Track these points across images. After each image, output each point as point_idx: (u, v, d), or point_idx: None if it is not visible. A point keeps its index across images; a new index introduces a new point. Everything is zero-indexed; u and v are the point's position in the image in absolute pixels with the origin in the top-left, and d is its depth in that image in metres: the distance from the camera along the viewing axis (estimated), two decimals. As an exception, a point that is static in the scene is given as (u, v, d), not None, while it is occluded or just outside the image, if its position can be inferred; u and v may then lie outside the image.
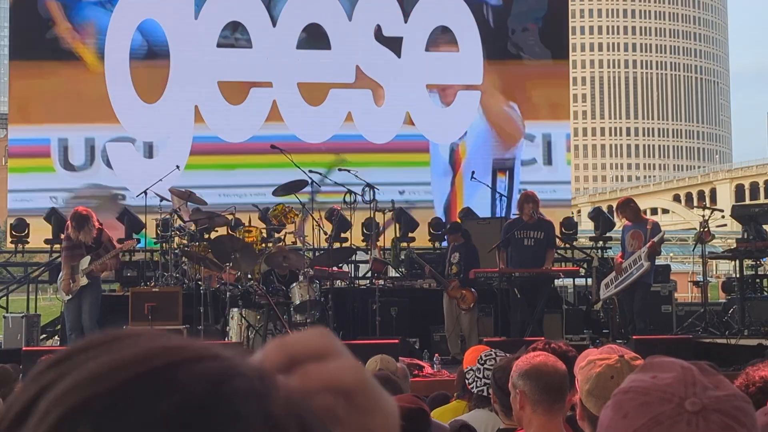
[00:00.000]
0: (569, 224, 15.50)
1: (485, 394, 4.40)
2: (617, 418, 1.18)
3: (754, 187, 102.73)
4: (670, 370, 1.19)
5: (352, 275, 13.99)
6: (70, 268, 10.56)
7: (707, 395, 1.15)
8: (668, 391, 1.16)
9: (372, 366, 5.71)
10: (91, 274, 10.54)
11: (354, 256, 13.60)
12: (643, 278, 10.99)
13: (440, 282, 11.94)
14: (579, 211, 66.44)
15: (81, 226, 10.46)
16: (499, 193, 15.18)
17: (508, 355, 4.32)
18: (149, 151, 15.99)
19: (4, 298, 14.34)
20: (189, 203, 12.91)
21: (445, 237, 13.59)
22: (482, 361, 4.46)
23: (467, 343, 10.92)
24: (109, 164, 15.84)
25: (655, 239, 10.91)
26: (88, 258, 10.49)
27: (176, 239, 12.38)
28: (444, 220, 15.33)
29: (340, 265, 12.96)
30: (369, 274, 13.80)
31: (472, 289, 11.52)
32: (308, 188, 12.09)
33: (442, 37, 16.72)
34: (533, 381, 3.14)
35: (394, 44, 16.63)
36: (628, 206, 11.47)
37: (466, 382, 4.67)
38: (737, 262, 13.58)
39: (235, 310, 10.65)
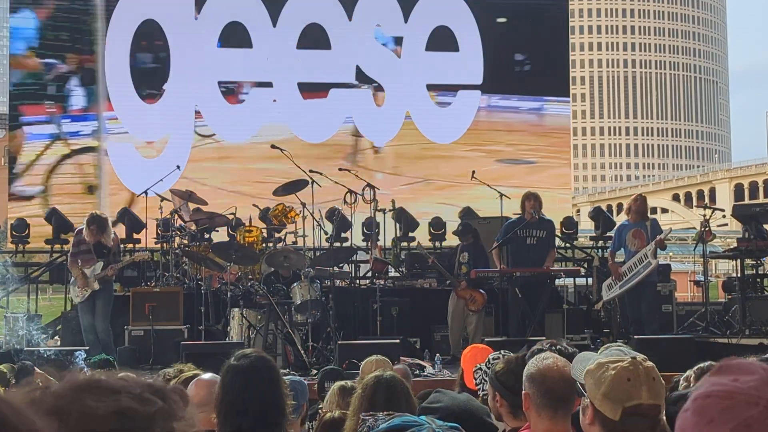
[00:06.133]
0: (569, 224, 15.47)
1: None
2: (702, 424, 1.15)
3: (754, 186, 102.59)
4: (751, 373, 1.16)
5: (353, 275, 13.97)
6: (81, 271, 10.60)
7: None
8: (753, 394, 1.12)
9: (368, 368, 5.68)
10: (103, 279, 10.59)
11: (355, 256, 13.58)
12: (649, 277, 10.92)
13: (448, 278, 11.84)
14: (578, 211, 66.40)
15: (103, 228, 10.60)
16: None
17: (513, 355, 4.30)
18: (149, 150, 15.96)
19: (5, 298, 14.30)
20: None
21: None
22: (491, 364, 4.43)
23: (471, 343, 10.88)
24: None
25: (662, 235, 10.85)
26: (101, 263, 10.54)
27: (177, 239, 12.37)
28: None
29: (341, 265, 12.94)
30: (370, 274, 13.78)
31: (482, 291, 11.45)
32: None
33: (442, 37, 16.70)
34: (537, 386, 3.08)
35: (394, 44, 16.61)
36: (636, 202, 11.39)
37: (474, 381, 4.65)
38: (738, 261, 13.56)
39: (236, 310, 10.64)
